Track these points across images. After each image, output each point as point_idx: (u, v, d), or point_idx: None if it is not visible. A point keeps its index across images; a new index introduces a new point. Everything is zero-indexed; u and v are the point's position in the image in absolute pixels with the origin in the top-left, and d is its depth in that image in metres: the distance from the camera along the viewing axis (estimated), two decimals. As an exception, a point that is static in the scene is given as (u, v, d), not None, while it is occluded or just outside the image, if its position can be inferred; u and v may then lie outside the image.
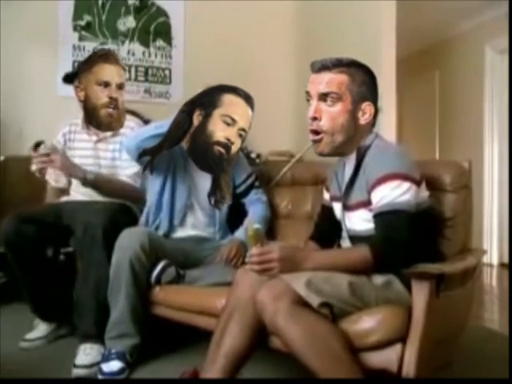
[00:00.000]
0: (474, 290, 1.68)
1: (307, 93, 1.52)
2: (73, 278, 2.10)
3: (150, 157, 1.96)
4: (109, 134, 2.23)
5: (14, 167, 2.95)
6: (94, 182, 2.10)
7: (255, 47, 3.72)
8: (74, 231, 2.00)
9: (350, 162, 1.56)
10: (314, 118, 1.49)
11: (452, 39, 5.01)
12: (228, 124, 1.99)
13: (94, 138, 2.26)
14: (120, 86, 2.18)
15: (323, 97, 1.47)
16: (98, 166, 2.22)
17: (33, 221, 2.06)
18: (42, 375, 1.79)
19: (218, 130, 1.99)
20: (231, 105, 2.00)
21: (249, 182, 2.23)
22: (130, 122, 2.30)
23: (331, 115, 1.47)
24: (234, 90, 2.03)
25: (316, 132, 1.50)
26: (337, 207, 1.66)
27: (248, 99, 2.04)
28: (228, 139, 1.99)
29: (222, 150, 1.99)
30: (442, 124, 5.23)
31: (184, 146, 2.09)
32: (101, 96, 2.14)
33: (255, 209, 2.22)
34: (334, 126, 1.48)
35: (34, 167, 2.04)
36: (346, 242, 1.63)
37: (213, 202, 2.07)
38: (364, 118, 1.51)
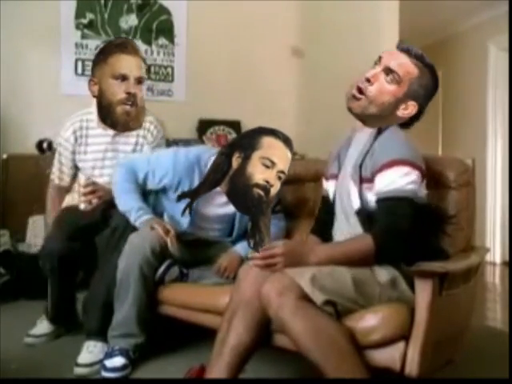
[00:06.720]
0: (476, 289, 1.68)
1: (379, 58, 1.56)
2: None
3: (190, 199, 1.94)
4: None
5: (17, 165, 2.95)
6: None
7: (258, 45, 3.71)
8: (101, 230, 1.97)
9: (356, 142, 1.58)
10: (368, 80, 1.52)
11: (455, 37, 4.99)
12: (267, 166, 1.96)
13: (111, 132, 2.06)
14: (139, 81, 1.96)
15: (388, 71, 1.51)
16: (116, 160, 2.07)
17: (79, 237, 1.99)
18: (44, 373, 1.79)
19: (258, 173, 1.96)
20: (270, 147, 1.98)
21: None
22: (146, 122, 2.10)
23: (382, 88, 1.51)
24: (273, 132, 2.01)
25: (360, 91, 1.53)
26: (331, 185, 1.67)
27: (287, 141, 2.03)
28: (267, 182, 1.96)
29: (262, 193, 1.96)
30: (445, 121, 5.21)
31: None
32: (117, 91, 1.92)
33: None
34: (376, 97, 1.52)
35: (82, 206, 1.96)
36: (337, 221, 1.62)
37: (252, 244, 2.05)
38: (402, 112, 1.56)
